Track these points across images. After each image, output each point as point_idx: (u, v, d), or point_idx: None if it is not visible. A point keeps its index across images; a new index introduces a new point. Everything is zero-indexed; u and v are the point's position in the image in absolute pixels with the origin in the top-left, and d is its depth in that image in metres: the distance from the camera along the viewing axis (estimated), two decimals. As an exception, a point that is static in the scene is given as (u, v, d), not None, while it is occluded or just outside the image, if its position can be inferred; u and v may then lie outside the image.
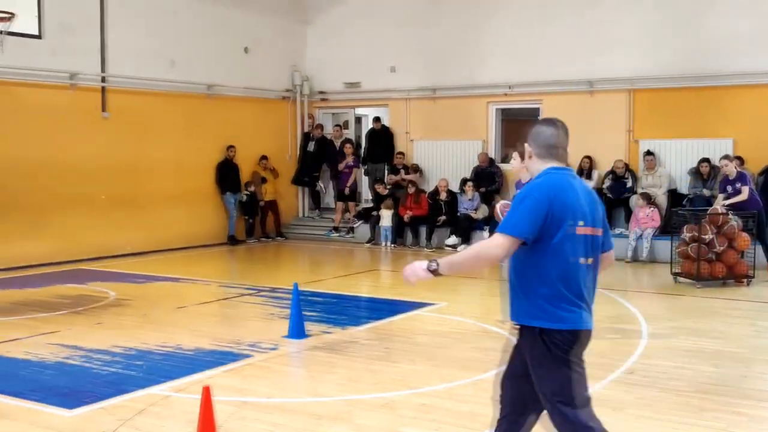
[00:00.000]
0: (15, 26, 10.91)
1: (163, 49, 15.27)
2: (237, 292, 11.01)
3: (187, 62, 15.73)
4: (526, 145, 4.03)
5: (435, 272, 3.91)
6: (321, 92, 18.46)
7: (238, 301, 10.38)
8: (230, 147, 16.55)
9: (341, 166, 17.24)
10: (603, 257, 4.05)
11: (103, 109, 14.36)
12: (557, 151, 3.97)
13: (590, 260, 3.90)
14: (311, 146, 17.77)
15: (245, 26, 16.97)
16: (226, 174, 16.53)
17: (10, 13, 10.74)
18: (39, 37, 11.68)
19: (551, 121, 4.06)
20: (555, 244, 3.79)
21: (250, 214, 16.93)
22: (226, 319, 9.57)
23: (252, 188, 16.88)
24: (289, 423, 5.56)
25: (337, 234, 17.16)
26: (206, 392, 4.42)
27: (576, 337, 3.84)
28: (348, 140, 17.61)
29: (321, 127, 18.01)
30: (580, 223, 3.85)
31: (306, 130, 18.19)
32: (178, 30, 15.59)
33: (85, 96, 14.05)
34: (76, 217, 13.77)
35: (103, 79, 14.33)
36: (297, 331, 8.06)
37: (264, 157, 17.22)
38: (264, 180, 17.20)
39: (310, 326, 8.42)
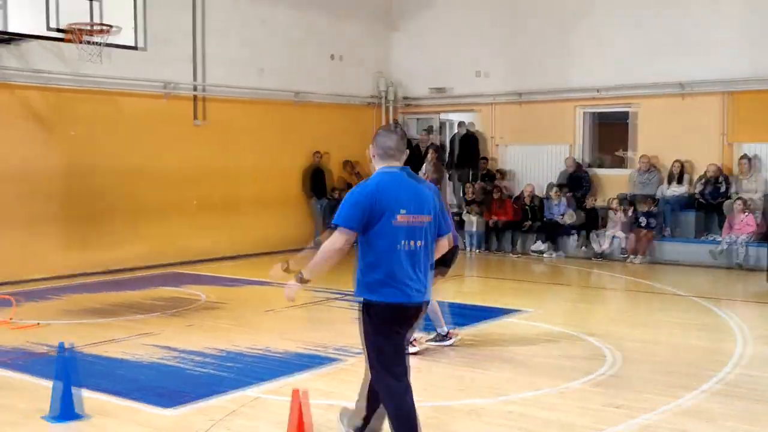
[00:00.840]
0: (114, 38, 11.34)
1: (253, 57, 15.64)
2: (324, 296, 11.16)
3: (277, 70, 16.06)
4: (370, 147, 4.81)
5: (302, 280, 4.77)
6: (407, 98, 18.56)
7: (325, 305, 10.53)
8: (317, 153, 16.81)
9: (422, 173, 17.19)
10: (438, 241, 4.79)
11: (196, 117, 14.80)
12: (393, 153, 4.77)
13: (413, 244, 4.60)
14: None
15: (332, 34, 17.21)
16: (314, 179, 16.79)
17: (110, 26, 11.16)
18: (136, 48, 12.11)
19: (390, 129, 4.93)
20: (379, 231, 4.53)
21: (335, 219, 17.08)
22: (313, 323, 9.72)
23: (338, 194, 17.08)
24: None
25: None
26: (296, 395, 4.52)
27: (392, 310, 4.60)
28: (432, 146, 17.57)
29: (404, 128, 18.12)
30: (402, 212, 4.55)
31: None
32: (268, 39, 15.92)
33: (179, 104, 14.51)
34: (170, 222, 14.21)
35: (196, 88, 14.77)
36: (383, 336, 8.10)
37: (350, 163, 17.40)
38: (350, 185, 17.37)
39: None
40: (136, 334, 8.62)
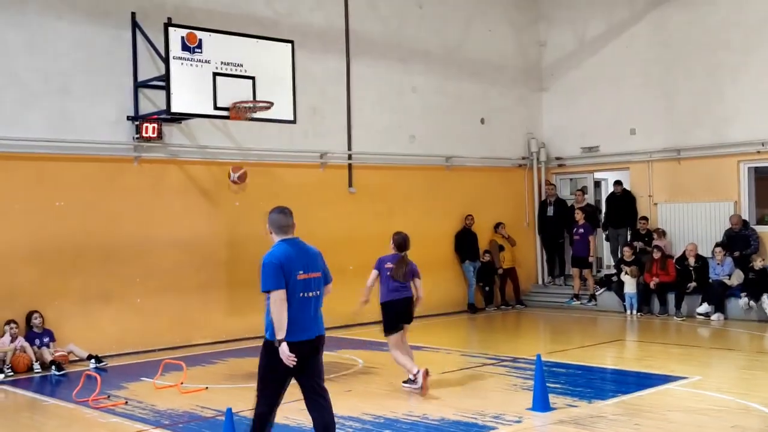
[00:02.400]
0: (273, 113, 11.95)
1: (403, 125, 16.02)
2: (478, 361, 11.06)
3: (427, 136, 16.36)
4: (267, 225, 6.20)
5: (280, 342, 5.89)
6: (558, 158, 18.38)
7: (479, 371, 10.42)
8: (468, 216, 16.86)
9: (574, 234, 16.88)
10: (325, 288, 6.31)
11: (350, 185, 15.25)
12: (286, 228, 6.18)
13: (311, 294, 6.09)
14: (550, 211, 17.68)
15: (481, 98, 17.38)
16: (465, 242, 16.82)
17: (270, 103, 11.78)
18: (293, 121, 12.69)
19: (281, 209, 6.20)
20: (289, 286, 5.95)
21: (487, 282, 17.04)
22: (469, 389, 9.61)
23: (488, 257, 17.02)
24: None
25: (578, 302, 16.76)
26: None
27: (296, 346, 5.93)
28: (579, 207, 17.23)
29: (554, 186, 17.91)
30: (300, 272, 6.01)
31: (543, 197, 18.13)
32: (417, 106, 16.28)
33: (334, 173, 15.01)
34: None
35: (350, 157, 15.25)
36: (541, 404, 7.95)
37: (500, 225, 17.34)
38: (501, 248, 17.28)
39: (554, 398, 8.27)
40: (294, 400, 8.79)
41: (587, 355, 11.38)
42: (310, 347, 6.08)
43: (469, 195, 17.04)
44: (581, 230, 16.72)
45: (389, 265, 9.49)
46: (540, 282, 18.33)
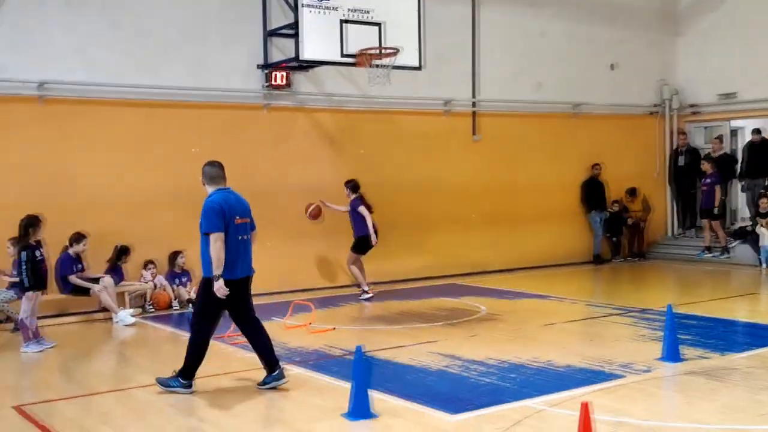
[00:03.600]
0: (399, 60, 11.95)
1: (530, 71, 15.71)
2: (604, 311, 10.90)
3: (554, 83, 15.99)
4: (202, 177, 7.16)
5: (218, 278, 6.76)
6: (692, 105, 17.61)
7: (606, 321, 10.28)
8: (596, 165, 16.48)
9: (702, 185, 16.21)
10: (252, 235, 7.20)
11: (474, 133, 15.14)
12: (218, 179, 7.12)
13: (246, 237, 7.04)
14: (681, 160, 17.04)
15: (611, 42, 16.81)
16: (592, 192, 16.47)
17: (396, 49, 11.78)
18: (420, 68, 12.67)
19: (213, 163, 7.20)
20: (230, 230, 6.86)
21: (614, 233, 16.67)
22: (595, 338, 9.51)
23: (617, 207, 16.62)
24: (668, 448, 5.41)
25: (710, 254, 16.17)
26: (585, 408, 4.47)
27: (236, 283, 6.89)
28: (707, 157, 16.48)
29: (686, 135, 17.22)
30: (237, 217, 6.95)
31: (674, 147, 17.47)
32: (545, 52, 15.91)
33: (458, 121, 14.93)
34: (451, 235, 14.65)
35: (474, 104, 15.12)
36: (672, 354, 7.79)
37: (634, 190, 16.95)
38: (633, 193, 16.92)
39: (684, 350, 8.08)
40: (421, 342, 8.98)
41: (719, 308, 11.02)
42: (245, 283, 7.09)
43: (597, 144, 16.62)
44: (708, 180, 16.06)
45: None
46: (670, 234, 17.77)
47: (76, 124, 11.48)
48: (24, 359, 8.82)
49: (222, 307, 7.02)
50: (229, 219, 6.88)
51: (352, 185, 12.43)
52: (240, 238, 6.98)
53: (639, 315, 10.48)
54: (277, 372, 7.10)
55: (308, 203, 12.40)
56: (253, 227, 7.27)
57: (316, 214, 12.41)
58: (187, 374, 7.05)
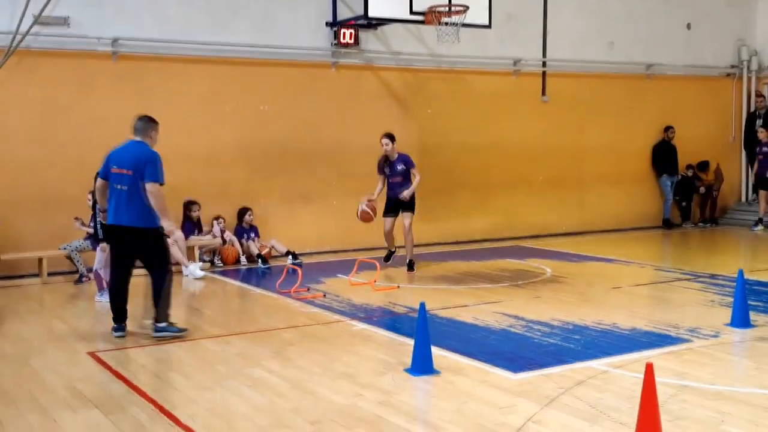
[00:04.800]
0: (468, 18, 11.81)
1: (601, 30, 15.35)
2: (672, 276, 10.72)
3: (626, 43, 15.61)
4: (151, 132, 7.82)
5: (163, 229, 7.52)
6: (772, 67, 17.04)
7: (674, 286, 10.11)
8: (668, 128, 16.09)
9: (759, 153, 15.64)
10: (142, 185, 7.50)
11: (543, 93, 14.91)
12: (135, 132, 7.69)
13: (123, 187, 7.48)
14: (758, 124, 16.50)
15: (687, 1, 16.29)
16: (663, 156, 16.11)
17: (465, 7, 11.63)
18: (489, 26, 12.50)
19: (139, 116, 7.82)
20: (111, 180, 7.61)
21: (685, 198, 16.31)
22: (662, 302, 9.39)
23: (690, 172, 16.24)
24: (736, 412, 5.31)
25: (762, 227, 15.55)
26: (649, 370, 4.42)
27: (111, 227, 7.63)
28: (766, 124, 15.89)
29: (764, 98, 16.63)
30: (114, 167, 7.53)
31: (751, 110, 16.92)
32: (618, 10, 15.52)
33: (527, 81, 14.72)
34: (516, 197, 14.54)
35: (544, 64, 14.86)
36: (741, 320, 7.63)
37: (706, 165, 16.51)
38: (704, 166, 16.46)
39: (755, 316, 7.91)
40: (485, 302, 8.98)
41: (794, 276, 10.73)
42: (113, 233, 7.75)
43: (670, 106, 16.21)
44: (765, 149, 15.52)
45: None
46: (744, 200, 17.30)
47: (147, 81, 11.68)
48: (98, 308, 9.13)
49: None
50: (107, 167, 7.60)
51: (393, 136, 11.32)
52: (117, 187, 7.52)
53: (708, 280, 10.29)
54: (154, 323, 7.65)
55: (358, 208, 11.19)
56: (146, 179, 7.46)
57: (368, 218, 11.17)
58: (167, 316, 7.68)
